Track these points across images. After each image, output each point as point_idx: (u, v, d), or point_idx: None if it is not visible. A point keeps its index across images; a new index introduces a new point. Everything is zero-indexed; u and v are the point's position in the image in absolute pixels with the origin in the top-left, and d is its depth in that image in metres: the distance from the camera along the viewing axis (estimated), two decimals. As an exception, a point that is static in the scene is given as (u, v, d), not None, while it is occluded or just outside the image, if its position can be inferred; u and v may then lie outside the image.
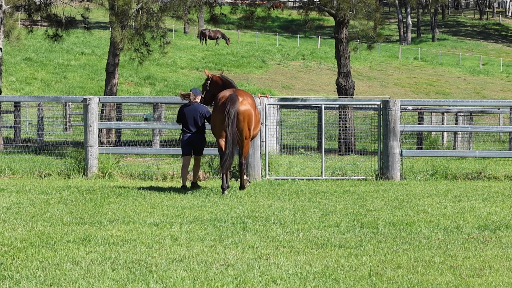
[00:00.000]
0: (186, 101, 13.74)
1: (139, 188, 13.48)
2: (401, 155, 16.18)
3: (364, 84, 56.77)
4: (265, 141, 16.30)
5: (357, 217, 10.10)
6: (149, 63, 43.37)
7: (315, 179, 15.98)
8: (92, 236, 8.45)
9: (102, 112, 22.39)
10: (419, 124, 26.53)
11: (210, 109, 13.76)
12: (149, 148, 20.63)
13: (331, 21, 66.91)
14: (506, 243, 8.32)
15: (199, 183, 14.50)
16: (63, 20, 26.43)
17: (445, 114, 28.82)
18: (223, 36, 67.60)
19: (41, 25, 35.21)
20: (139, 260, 7.28)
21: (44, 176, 16.02)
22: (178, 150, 16.29)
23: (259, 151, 15.80)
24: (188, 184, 13.94)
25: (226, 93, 13.10)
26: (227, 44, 67.45)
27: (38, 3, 26.61)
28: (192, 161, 14.01)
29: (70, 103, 28.95)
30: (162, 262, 7.20)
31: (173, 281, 6.50)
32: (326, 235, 8.72)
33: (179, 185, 14.31)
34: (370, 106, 23.04)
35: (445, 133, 29.05)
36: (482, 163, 17.96)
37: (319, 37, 78.11)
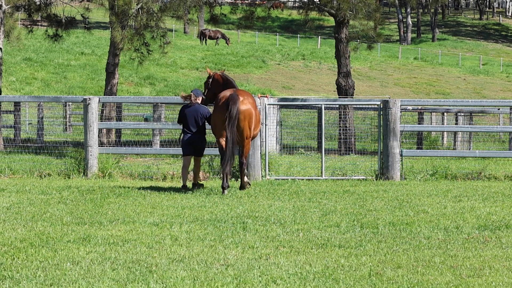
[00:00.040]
0: (187, 102, 13.77)
1: (139, 188, 13.48)
2: (401, 155, 16.18)
3: (364, 84, 56.77)
4: (265, 141, 16.30)
5: (357, 217, 10.10)
6: (149, 63, 43.38)
7: (315, 179, 15.98)
8: (92, 236, 8.45)
9: (102, 112, 22.39)
10: (419, 124, 26.53)
11: (211, 109, 13.79)
12: (149, 148, 20.63)
13: (331, 21, 66.92)
14: (506, 243, 8.32)
15: (200, 182, 14.49)
16: (63, 20, 26.43)
17: (445, 114, 28.82)
18: (223, 36, 67.61)
19: (41, 25, 35.21)
20: (139, 260, 7.28)
21: (44, 176, 16.02)
22: (178, 150, 16.30)
23: (259, 151, 15.80)
24: (189, 184, 13.96)
25: (226, 93, 13.12)
26: (227, 44, 67.45)
27: (38, 3, 26.61)
28: (192, 162, 14.02)
29: (70, 103, 28.96)
30: (162, 262, 7.20)
31: (173, 281, 6.50)
32: (326, 235, 8.72)
33: (179, 185, 14.32)
34: (370, 106, 23.04)
35: (445, 133, 29.05)
36: (482, 163, 17.96)
37: (319, 37, 78.12)
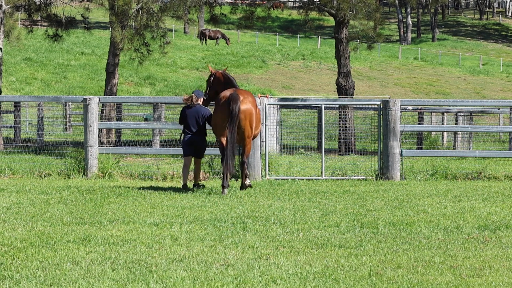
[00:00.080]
0: (189, 103, 13.80)
1: (139, 188, 13.48)
2: (401, 155, 16.18)
3: (364, 84, 56.77)
4: (265, 141, 16.30)
5: (357, 217, 10.10)
6: (149, 63, 43.37)
7: (315, 179, 15.98)
8: (92, 236, 8.45)
9: (102, 112, 22.39)
10: (419, 124, 26.53)
11: (211, 109, 13.81)
12: (149, 148, 20.63)
13: (331, 21, 66.91)
14: (506, 243, 8.32)
15: (200, 182, 14.50)
16: (63, 20, 26.42)
17: (445, 114, 28.82)
18: (223, 36, 67.61)
19: (41, 25, 35.21)
20: (139, 260, 7.28)
21: (44, 176, 16.02)
22: (178, 150, 16.30)
23: (259, 151, 15.80)
24: (189, 184, 13.98)
25: (226, 92, 13.14)
26: (227, 44, 67.46)
27: (38, 3, 26.61)
28: (192, 162, 14.04)
29: (70, 103, 28.96)
30: (162, 262, 7.20)
31: (173, 281, 6.50)
32: (326, 235, 8.72)
33: (179, 185, 14.32)
34: (370, 106, 23.04)
35: (445, 133, 29.05)
36: (482, 163, 17.96)
37: (319, 37, 78.12)
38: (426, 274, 6.87)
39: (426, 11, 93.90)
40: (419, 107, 25.89)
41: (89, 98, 16.11)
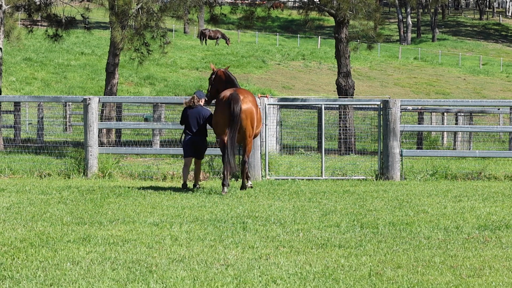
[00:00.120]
0: (191, 105, 13.82)
1: (139, 188, 13.48)
2: (401, 155, 16.18)
3: (364, 84, 56.77)
4: (265, 141, 16.30)
5: (357, 217, 10.11)
6: (149, 63, 43.38)
7: (315, 179, 15.98)
8: (92, 236, 8.45)
9: (102, 112, 22.38)
10: (419, 124, 26.53)
11: (212, 110, 13.84)
12: (149, 148, 20.63)
13: (331, 21, 66.92)
14: (506, 243, 8.32)
15: (200, 183, 14.51)
16: (63, 20, 26.42)
17: (445, 114, 28.82)
18: (223, 36, 67.61)
19: (41, 25, 35.21)
20: (139, 260, 7.28)
21: (44, 176, 16.02)
22: (178, 150, 16.31)
23: (259, 151, 15.80)
24: (190, 184, 13.99)
25: (227, 92, 13.16)
26: (227, 44, 67.46)
27: (38, 3, 26.60)
28: (193, 162, 14.05)
29: (70, 103, 28.95)
30: (162, 262, 7.20)
31: (173, 281, 6.50)
32: (326, 235, 8.72)
33: (179, 185, 14.32)
34: (370, 106, 23.04)
35: (445, 133, 29.05)
36: (482, 163, 17.96)
37: (319, 37, 78.12)
38: (426, 274, 6.87)
39: (426, 11, 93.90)
40: (419, 107, 25.90)
41: (89, 98, 16.10)
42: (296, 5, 44.63)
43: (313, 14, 30.90)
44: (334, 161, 18.15)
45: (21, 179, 15.56)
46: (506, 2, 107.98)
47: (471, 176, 16.33)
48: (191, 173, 14.57)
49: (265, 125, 16.19)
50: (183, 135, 13.78)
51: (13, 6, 24.22)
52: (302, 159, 18.31)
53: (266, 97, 16.72)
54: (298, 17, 39.70)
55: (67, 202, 11.57)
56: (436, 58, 72.87)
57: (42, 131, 24.46)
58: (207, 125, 13.71)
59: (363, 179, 16.00)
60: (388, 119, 16.02)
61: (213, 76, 13.95)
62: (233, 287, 6.39)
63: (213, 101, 13.91)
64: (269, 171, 16.29)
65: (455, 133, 26.19)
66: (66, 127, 29.44)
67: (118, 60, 25.12)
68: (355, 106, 25.41)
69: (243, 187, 13.52)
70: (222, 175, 13.67)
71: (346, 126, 24.12)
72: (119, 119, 23.47)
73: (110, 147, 19.72)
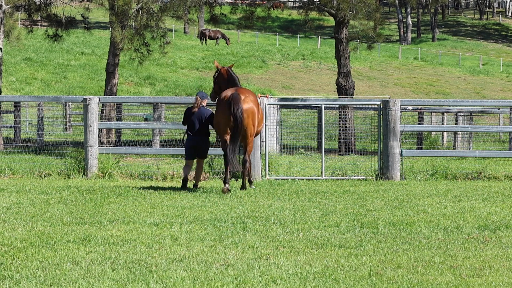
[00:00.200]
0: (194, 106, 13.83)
1: (139, 188, 13.48)
2: (401, 155, 16.18)
3: (364, 84, 56.77)
4: (265, 141, 16.31)
5: (357, 217, 10.10)
6: (149, 63, 43.37)
7: (315, 179, 15.99)
8: (92, 236, 8.45)
9: (102, 112, 22.38)
10: (419, 124, 26.53)
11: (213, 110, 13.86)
12: (149, 148, 20.63)
13: (331, 21, 66.91)
14: (506, 243, 8.32)
15: (200, 183, 14.51)
16: (63, 20, 26.42)
17: (445, 114, 28.82)
18: (223, 36, 67.62)
19: (41, 25, 35.21)
20: (139, 260, 7.27)
21: (44, 176, 16.02)
22: (178, 150, 16.32)
23: (259, 151, 15.80)
24: (190, 184, 13.99)
25: (228, 92, 13.19)
26: (227, 44, 67.46)
27: (38, 3, 26.60)
28: (195, 162, 14.06)
29: (70, 103, 28.95)
30: (162, 262, 7.20)
31: (173, 281, 6.50)
32: (326, 235, 8.72)
33: (179, 185, 14.31)
34: (370, 106, 23.04)
35: (445, 133, 29.05)
36: (482, 163, 17.96)
37: (319, 37, 78.11)
38: (426, 274, 6.87)
39: (426, 11, 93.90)
40: (419, 107, 25.90)
41: (89, 98, 16.11)
42: (296, 5, 44.64)
43: (313, 14, 30.90)
44: (334, 161, 18.15)
45: (21, 179, 15.56)
46: (506, 2, 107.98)
47: (471, 176, 16.33)
48: (192, 173, 14.57)
49: (265, 125, 16.19)
50: (185, 135, 13.80)
51: (13, 6, 24.22)
52: (302, 159, 18.31)
53: (266, 97, 16.73)
54: (298, 17, 39.71)
55: (67, 202, 11.57)
56: (436, 58, 72.88)
57: (42, 131, 24.45)
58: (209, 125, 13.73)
59: (363, 179, 16.00)
60: (388, 119, 16.02)
61: (216, 73, 14.01)
62: (233, 287, 6.39)
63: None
64: (269, 171, 16.29)
65: (455, 133, 26.19)
66: (66, 127, 29.44)
67: (118, 60, 25.12)
68: (355, 106, 25.41)
69: (243, 187, 13.52)
70: (223, 174, 13.66)
71: (346, 126, 24.12)
72: (119, 119, 23.46)
73: (110, 147, 19.72)
